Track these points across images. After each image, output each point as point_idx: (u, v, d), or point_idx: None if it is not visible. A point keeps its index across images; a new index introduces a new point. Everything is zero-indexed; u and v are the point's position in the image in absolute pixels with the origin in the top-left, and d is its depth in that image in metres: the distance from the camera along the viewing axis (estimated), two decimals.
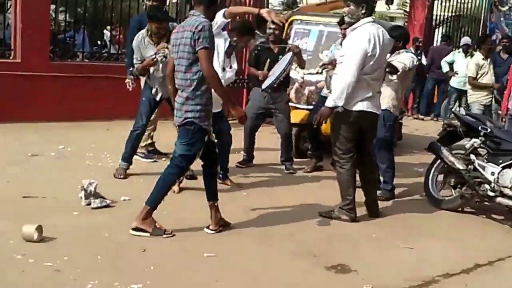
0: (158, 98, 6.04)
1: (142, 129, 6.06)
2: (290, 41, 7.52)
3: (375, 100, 5.11)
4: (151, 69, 5.90)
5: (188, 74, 4.30)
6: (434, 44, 14.16)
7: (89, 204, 4.90)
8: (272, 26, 6.45)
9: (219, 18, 5.18)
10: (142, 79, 6.30)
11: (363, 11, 4.95)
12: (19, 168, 5.94)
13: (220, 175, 5.76)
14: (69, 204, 4.89)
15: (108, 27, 12.39)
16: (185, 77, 4.32)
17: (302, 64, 6.56)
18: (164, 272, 3.78)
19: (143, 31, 5.96)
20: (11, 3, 8.45)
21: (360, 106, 5.00)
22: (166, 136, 6.61)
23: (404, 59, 5.83)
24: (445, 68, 10.97)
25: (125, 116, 7.99)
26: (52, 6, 8.91)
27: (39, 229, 4.07)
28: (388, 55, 5.54)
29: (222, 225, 4.62)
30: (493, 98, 8.67)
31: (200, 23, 4.23)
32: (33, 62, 8.13)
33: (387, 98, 5.83)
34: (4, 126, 7.67)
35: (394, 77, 5.85)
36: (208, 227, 4.57)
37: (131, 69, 6.47)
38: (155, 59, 5.72)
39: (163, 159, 6.62)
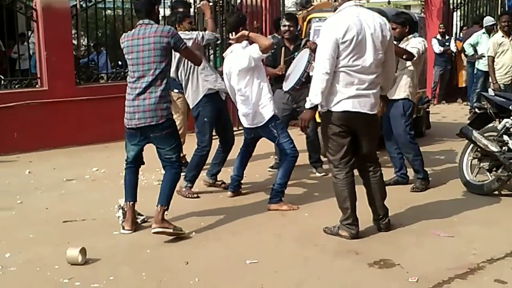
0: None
1: (207, 151, 5.98)
2: (310, 39, 7.46)
3: (366, 98, 4.37)
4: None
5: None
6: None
7: None
8: (287, 23, 6.45)
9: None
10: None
11: None
12: (56, 193, 6.06)
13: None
14: (108, 224, 4.97)
15: None
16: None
17: None
18: (210, 283, 3.81)
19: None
20: (33, 32, 8.62)
21: (344, 105, 4.33)
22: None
23: (416, 44, 5.80)
24: (469, 50, 10.76)
25: None
26: (73, 31, 9.06)
27: (83, 251, 4.14)
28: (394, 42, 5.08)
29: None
30: None
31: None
32: (60, 89, 8.30)
33: (403, 86, 5.84)
34: (37, 153, 7.84)
35: (409, 63, 5.84)
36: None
37: None
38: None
39: None
